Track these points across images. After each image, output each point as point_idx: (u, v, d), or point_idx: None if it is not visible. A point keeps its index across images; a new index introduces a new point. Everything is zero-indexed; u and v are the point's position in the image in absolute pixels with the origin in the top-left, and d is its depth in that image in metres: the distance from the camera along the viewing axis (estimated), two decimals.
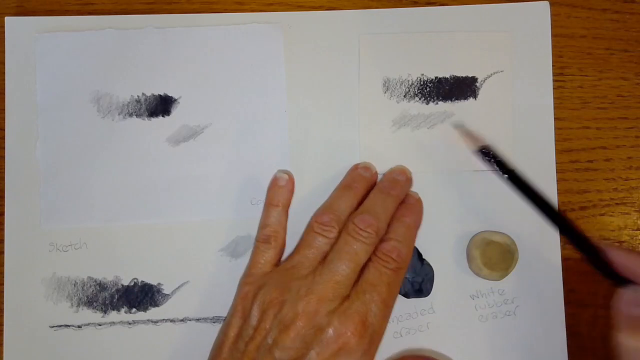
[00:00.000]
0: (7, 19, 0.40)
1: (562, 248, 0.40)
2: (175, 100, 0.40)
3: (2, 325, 0.39)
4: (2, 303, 0.39)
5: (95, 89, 0.40)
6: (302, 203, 0.40)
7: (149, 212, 0.40)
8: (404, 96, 0.40)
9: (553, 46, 0.41)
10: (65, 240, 0.39)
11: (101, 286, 0.39)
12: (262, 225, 0.38)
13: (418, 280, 0.37)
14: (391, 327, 0.39)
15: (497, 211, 0.40)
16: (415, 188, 0.40)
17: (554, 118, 0.40)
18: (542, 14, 0.41)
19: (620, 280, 0.32)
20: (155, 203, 0.40)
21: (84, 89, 0.40)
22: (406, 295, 0.38)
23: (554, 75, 0.41)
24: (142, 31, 0.40)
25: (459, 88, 0.40)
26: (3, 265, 0.39)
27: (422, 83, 0.40)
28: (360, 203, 0.37)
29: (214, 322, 0.39)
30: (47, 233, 0.39)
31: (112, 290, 0.39)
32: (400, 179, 0.38)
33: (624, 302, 0.31)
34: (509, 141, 0.40)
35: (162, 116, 0.40)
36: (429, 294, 0.38)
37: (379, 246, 0.34)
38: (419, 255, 0.38)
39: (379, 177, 0.40)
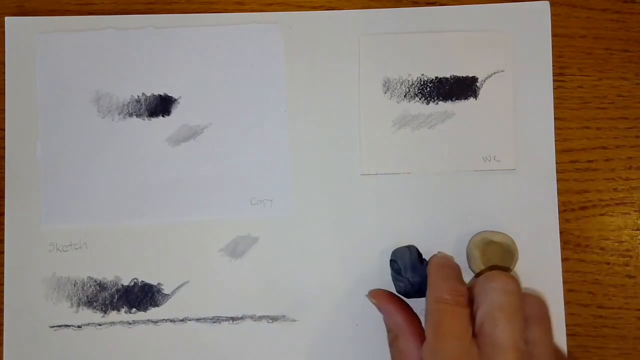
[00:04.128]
0: (7, 19, 0.40)
1: (562, 248, 0.40)
2: (175, 100, 0.40)
3: (2, 325, 0.39)
4: (2, 303, 0.39)
5: (95, 89, 0.40)
6: (302, 204, 0.40)
7: (149, 212, 0.40)
8: (404, 96, 0.40)
9: (553, 46, 0.41)
10: (65, 240, 0.39)
11: (101, 286, 0.39)
12: None
13: (418, 280, 0.37)
14: None
15: (497, 211, 0.40)
16: (415, 188, 0.40)
17: (554, 118, 0.40)
18: (542, 14, 0.41)
19: None
20: (155, 203, 0.40)
21: (84, 89, 0.40)
22: (406, 295, 0.38)
23: (554, 75, 0.41)
24: (142, 31, 0.40)
25: (459, 88, 0.40)
26: (3, 265, 0.39)
27: (422, 83, 0.40)
28: None
29: (214, 322, 0.39)
30: (47, 233, 0.39)
31: (112, 290, 0.39)
32: None
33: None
34: (509, 141, 0.40)
35: (162, 116, 0.40)
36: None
37: None
38: (419, 255, 0.38)
39: (378, 177, 0.40)
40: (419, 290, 0.37)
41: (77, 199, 0.40)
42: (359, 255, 0.40)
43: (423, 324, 0.34)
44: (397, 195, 0.40)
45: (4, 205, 0.39)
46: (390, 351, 0.35)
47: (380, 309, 0.37)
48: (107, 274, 0.39)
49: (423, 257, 0.38)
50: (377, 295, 0.37)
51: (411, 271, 0.37)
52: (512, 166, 0.40)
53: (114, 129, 0.40)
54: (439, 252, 0.38)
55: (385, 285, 0.39)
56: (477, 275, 0.38)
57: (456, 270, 0.35)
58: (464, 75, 0.40)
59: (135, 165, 0.40)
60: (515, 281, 0.32)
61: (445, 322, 0.31)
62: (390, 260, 0.39)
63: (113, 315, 0.39)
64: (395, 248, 0.39)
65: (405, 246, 0.39)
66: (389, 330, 0.36)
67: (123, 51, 0.40)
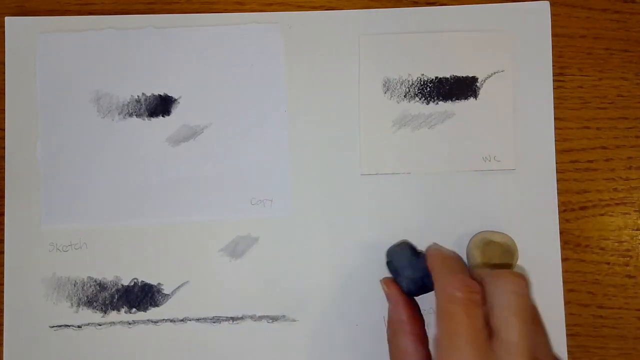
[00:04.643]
0: (7, 19, 0.40)
1: (562, 248, 0.40)
2: (175, 100, 0.40)
3: (2, 325, 0.39)
4: (2, 303, 0.39)
5: (95, 89, 0.40)
6: (302, 204, 0.40)
7: (149, 212, 0.40)
8: (404, 96, 0.40)
9: (553, 46, 0.41)
10: (65, 240, 0.39)
11: (101, 286, 0.39)
12: None
13: (419, 275, 0.35)
14: None
15: (497, 211, 0.40)
16: (415, 188, 0.40)
17: (554, 118, 0.40)
18: (542, 14, 0.41)
19: None
20: (155, 203, 0.40)
21: (84, 89, 0.40)
22: (410, 293, 0.36)
23: (554, 75, 0.41)
24: (142, 31, 0.40)
25: (459, 88, 0.40)
26: (3, 265, 0.39)
27: (422, 83, 0.40)
28: None
29: (214, 322, 0.39)
30: (47, 233, 0.39)
31: (112, 290, 0.39)
32: None
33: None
34: (509, 141, 0.40)
35: (162, 116, 0.40)
36: (434, 287, 0.36)
37: None
38: (413, 249, 0.37)
39: (378, 177, 0.40)
40: (422, 286, 0.36)
41: (77, 199, 0.40)
42: (359, 255, 0.40)
43: (432, 320, 0.34)
44: (397, 195, 0.40)
45: (4, 205, 0.39)
46: (389, 347, 0.35)
47: (389, 300, 0.36)
48: (107, 274, 0.39)
49: (417, 249, 0.37)
50: (390, 285, 0.36)
51: (410, 268, 0.36)
52: (512, 166, 0.40)
53: (114, 129, 0.40)
54: (433, 243, 0.36)
55: None
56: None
57: (459, 260, 0.34)
58: (464, 75, 0.40)
59: (135, 165, 0.40)
60: (527, 282, 0.31)
61: (460, 328, 0.30)
62: (387, 262, 0.38)
63: (113, 315, 0.39)
64: (387, 248, 0.38)
65: (397, 244, 0.38)
66: (389, 325, 0.36)
67: (123, 51, 0.40)
